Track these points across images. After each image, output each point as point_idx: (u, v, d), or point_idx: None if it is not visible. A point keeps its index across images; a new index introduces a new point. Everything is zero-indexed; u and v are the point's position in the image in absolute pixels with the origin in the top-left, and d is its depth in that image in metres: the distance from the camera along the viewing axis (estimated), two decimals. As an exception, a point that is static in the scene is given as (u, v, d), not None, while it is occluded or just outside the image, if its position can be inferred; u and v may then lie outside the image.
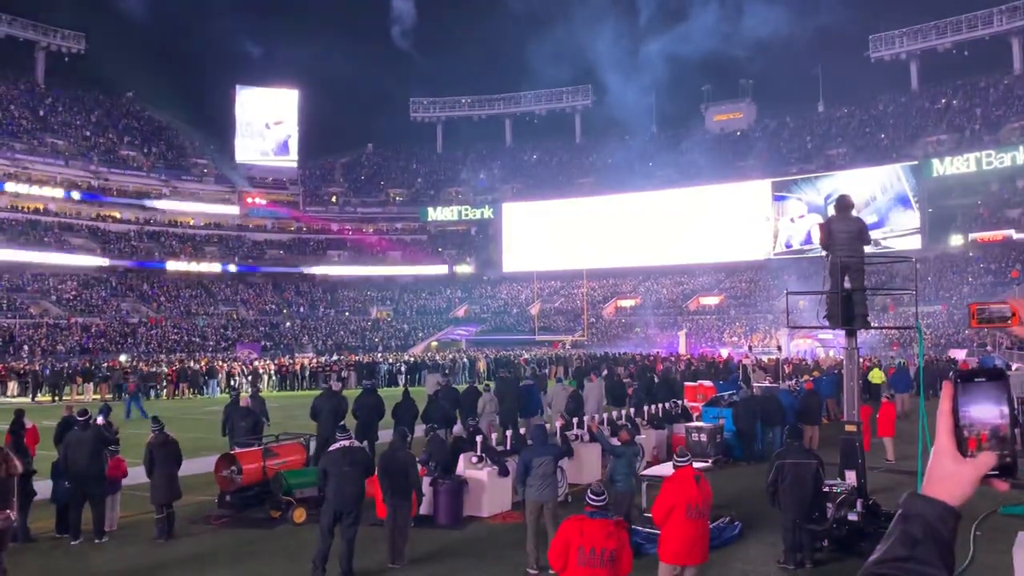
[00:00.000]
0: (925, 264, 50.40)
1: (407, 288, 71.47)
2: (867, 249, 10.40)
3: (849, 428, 10.15)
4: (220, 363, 40.23)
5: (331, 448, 9.44)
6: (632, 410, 16.94)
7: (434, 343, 59.84)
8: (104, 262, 59.27)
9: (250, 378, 36.35)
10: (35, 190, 59.33)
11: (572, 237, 69.21)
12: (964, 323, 44.68)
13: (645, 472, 12.47)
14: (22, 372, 36.50)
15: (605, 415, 16.24)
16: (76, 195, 61.81)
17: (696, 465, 12.97)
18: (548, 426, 14.51)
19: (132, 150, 68.84)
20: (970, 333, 42.54)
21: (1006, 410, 1.29)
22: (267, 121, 74.76)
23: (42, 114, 65.79)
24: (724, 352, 47.38)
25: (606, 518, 5.94)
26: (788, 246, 61.25)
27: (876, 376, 25.70)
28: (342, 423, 13.21)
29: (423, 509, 11.23)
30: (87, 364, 37.80)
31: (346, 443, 9.41)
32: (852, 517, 9.38)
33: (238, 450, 12.48)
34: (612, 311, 64.48)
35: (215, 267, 65.08)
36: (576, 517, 5.92)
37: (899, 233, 56.04)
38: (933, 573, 1.23)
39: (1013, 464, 1.29)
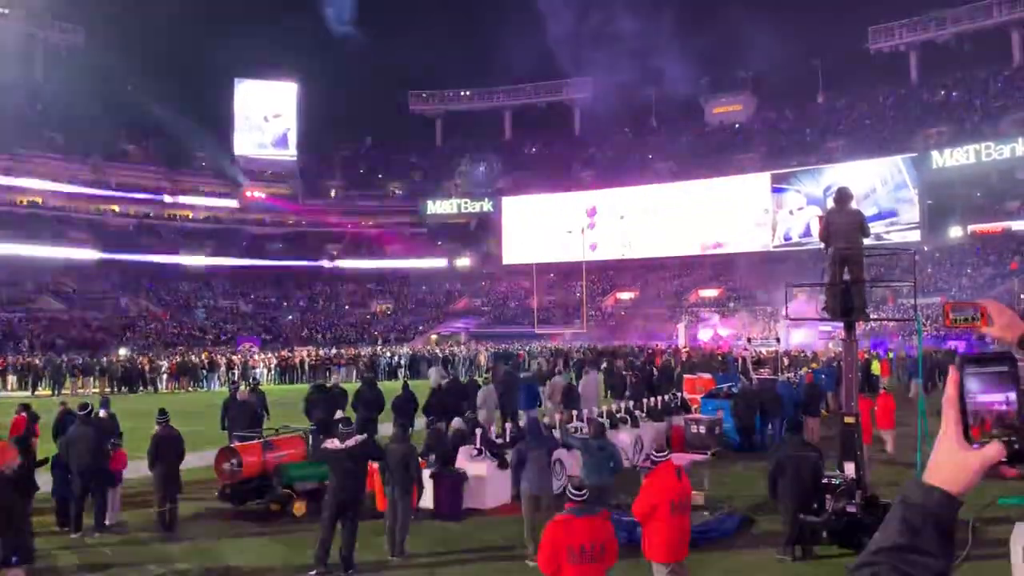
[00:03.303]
0: (924, 256, 50.38)
1: (406, 281, 71.45)
2: (866, 241, 10.40)
3: (848, 420, 10.16)
4: (219, 357, 40.27)
5: (336, 443, 9.43)
6: (631, 402, 16.97)
7: (434, 336, 59.85)
8: (103, 256, 59.21)
9: (241, 371, 36.40)
10: (34, 184, 59.25)
11: (571, 230, 69.17)
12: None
13: (645, 464, 12.47)
14: (21, 366, 36.51)
15: (604, 408, 16.26)
16: (75, 189, 61.74)
17: (695, 458, 13.04)
18: (547, 419, 14.55)
19: (131, 144, 68.72)
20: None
21: (1013, 396, 1.27)
22: (266, 114, 74.62)
23: (41, 108, 65.62)
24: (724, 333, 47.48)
25: (591, 514, 5.87)
26: (787, 238, 61.20)
27: (876, 368, 25.75)
28: (346, 417, 13.26)
29: (423, 502, 11.26)
30: (87, 358, 37.83)
31: (352, 439, 9.40)
32: (851, 509, 9.39)
33: (238, 443, 12.50)
34: (611, 304, 64.48)
35: (214, 261, 65.04)
36: (562, 517, 5.83)
37: (898, 225, 56.01)
38: (933, 563, 1.23)
39: (1022, 450, 1.27)
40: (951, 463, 1.28)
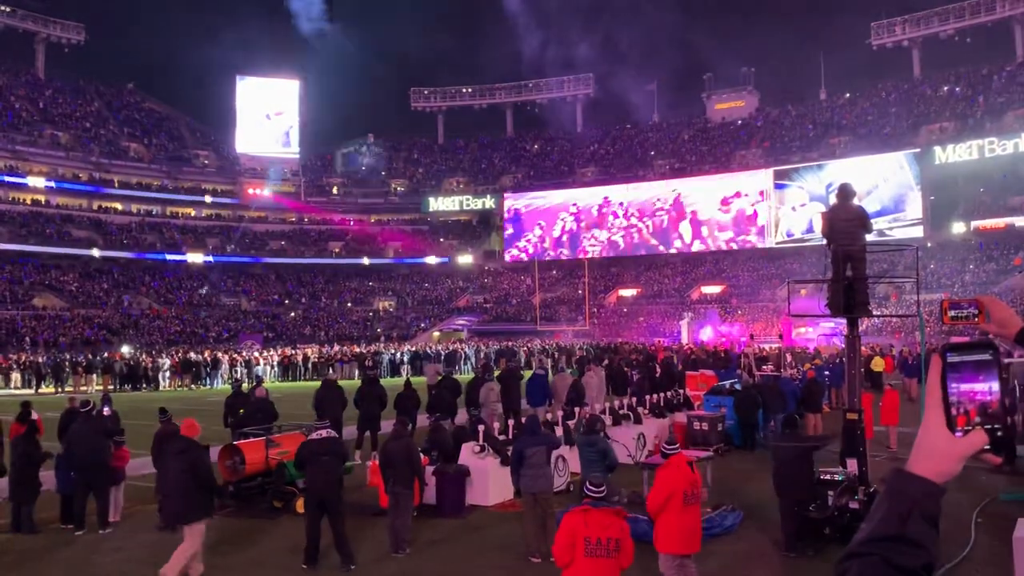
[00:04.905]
0: (927, 252, 50.27)
1: (409, 278, 71.46)
2: (869, 237, 10.38)
3: (850, 416, 10.16)
4: (221, 354, 40.32)
5: (310, 438, 9.54)
6: (634, 399, 16.97)
7: (436, 333, 59.86)
8: (106, 254, 59.28)
9: (245, 369, 36.45)
10: (36, 182, 59.31)
11: (573, 226, 69.26)
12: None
13: (647, 460, 12.49)
14: (24, 364, 36.58)
15: (607, 404, 16.27)
16: (77, 187, 61.83)
17: (698, 455, 13.04)
18: (549, 416, 14.56)
19: (133, 141, 68.77)
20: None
21: (996, 385, 1.27)
22: (268, 112, 74.57)
23: (42, 106, 65.69)
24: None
25: (608, 507, 5.92)
26: (790, 235, 61.14)
27: (878, 364, 25.74)
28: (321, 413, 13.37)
29: (426, 498, 11.27)
30: (89, 356, 37.89)
31: (324, 433, 9.51)
32: (853, 505, 9.40)
33: (241, 440, 12.52)
34: (614, 300, 64.47)
35: (216, 258, 65.03)
36: (579, 508, 5.89)
37: (901, 221, 55.91)
38: (920, 552, 1.23)
39: (1005, 438, 1.27)
40: (934, 452, 1.28)
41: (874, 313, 12.27)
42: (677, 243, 65.30)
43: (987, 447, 1.27)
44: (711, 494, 11.77)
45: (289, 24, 73.84)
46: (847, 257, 9.91)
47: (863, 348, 15.25)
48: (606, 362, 26.03)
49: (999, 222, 53.14)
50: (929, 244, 51.54)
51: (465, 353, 42.67)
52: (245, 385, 20.07)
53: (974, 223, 54.10)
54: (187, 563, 8.28)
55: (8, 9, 66.51)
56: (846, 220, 10.05)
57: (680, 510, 7.04)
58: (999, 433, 1.26)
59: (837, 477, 9.65)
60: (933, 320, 40.14)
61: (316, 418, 14.90)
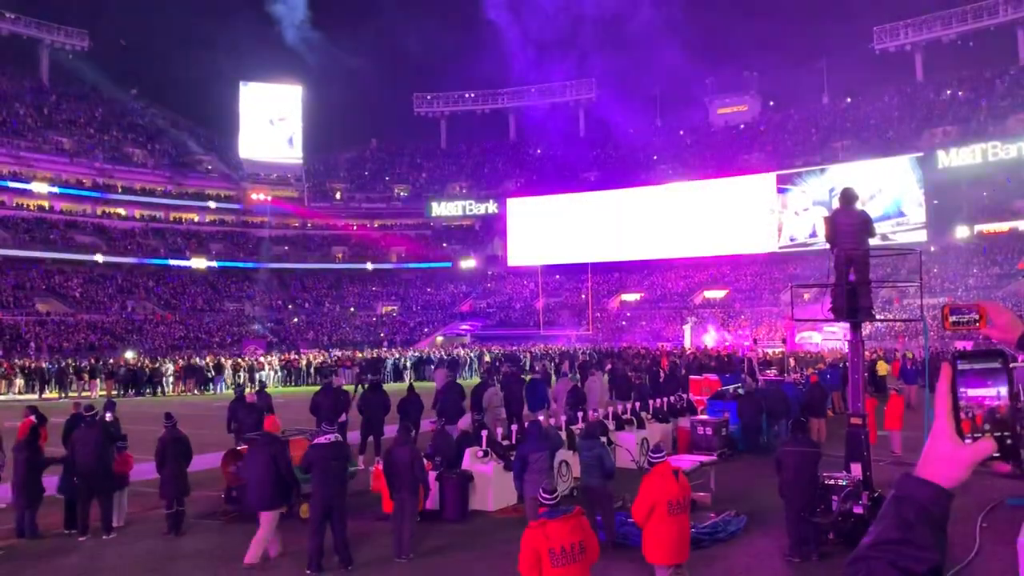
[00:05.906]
0: (930, 256, 50.19)
1: (412, 283, 71.51)
2: (872, 242, 10.37)
3: (854, 420, 10.14)
4: (224, 359, 40.36)
5: (318, 442, 9.50)
6: (637, 404, 16.95)
7: (439, 338, 59.86)
8: (109, 259, 59.39)
9: (249, 374, 36.49)
10: (40, 187, 59.47)
11: (576, 231, 69.19)
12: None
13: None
14: (28, 369, 36.62)
15: (610, 409, 16.25)
16: (81, 192, 61.97)
17: (702, 459, 13.03)
18: (552, 420, 14.55)
19: (136, 147, 68.95)
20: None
21: (1004, 391, 1.28)
22: (271, 117, 74.73)
23: (46, 112, 65.89)
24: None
25: (565, 514, 5.84)
26: (793, 239, 61.03)
27: (883, 368, 25.70)
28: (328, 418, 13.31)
29: (429, 503, 11.26)
30: (93, 361, 37.94)
31: (331, 437, 9.48)
32: (857, 510, 9.37)
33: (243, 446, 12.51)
34: (617, 305, 64.43)
35: (220, 263, 65.15)
36: (536, 523, 5.79)
37: (904, 225, 55.80)
38: (927, 556, 1.23)
39: (1014, 446, 1.27)
40: (943, 458, 1.29)
41: (877, 317, 12.29)
42: (680, 247, 65.05)
43: (996, 454, 1.27)
44: (715, 499, 11.76)
45: (291, 29, 74.17)
46: (850, 261, 9.89)
47: (867, 352, 15.24)
48: (609, 366, 26.02)
49: (1003, 226, 53.07)
50: (932, 248, 51.46)
51: (470, 357, 42.67)
52: (248, 390, 20.09)
53: (977, 227, 54.03)
54: (265, 546, 9.23)
55: (13, 16, 66.79)
56: (849, 224, 10.04)
57: (665, 519, 6.91)
58: (1008, 441, 1.26)
59: (841, 482, 9.63)
60: (936, 325, 40.01)
61: (316, 423, 14.89)
